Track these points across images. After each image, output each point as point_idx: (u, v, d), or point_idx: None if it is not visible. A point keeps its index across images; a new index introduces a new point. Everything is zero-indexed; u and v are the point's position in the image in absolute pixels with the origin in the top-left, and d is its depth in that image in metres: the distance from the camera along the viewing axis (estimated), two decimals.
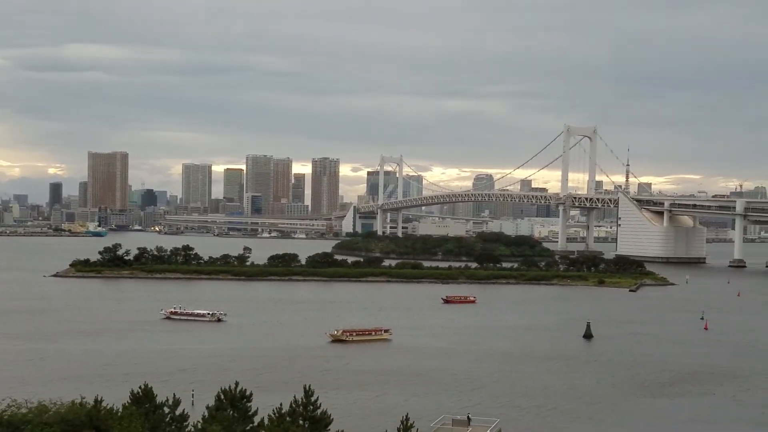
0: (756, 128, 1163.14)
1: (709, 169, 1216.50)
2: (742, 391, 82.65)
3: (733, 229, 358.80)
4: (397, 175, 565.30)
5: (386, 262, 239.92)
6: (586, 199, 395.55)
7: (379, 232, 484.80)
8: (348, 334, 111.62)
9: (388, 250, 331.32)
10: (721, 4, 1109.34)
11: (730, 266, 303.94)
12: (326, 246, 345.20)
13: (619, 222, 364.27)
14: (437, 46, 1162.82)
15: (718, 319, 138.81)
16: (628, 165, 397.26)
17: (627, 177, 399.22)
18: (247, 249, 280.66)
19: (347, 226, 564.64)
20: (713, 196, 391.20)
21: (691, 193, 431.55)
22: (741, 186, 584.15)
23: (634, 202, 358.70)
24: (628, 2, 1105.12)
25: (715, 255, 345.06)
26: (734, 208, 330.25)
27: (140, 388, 45.78)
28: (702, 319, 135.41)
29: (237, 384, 46.59)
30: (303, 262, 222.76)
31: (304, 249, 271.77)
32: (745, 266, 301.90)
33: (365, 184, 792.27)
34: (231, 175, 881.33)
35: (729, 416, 72.38)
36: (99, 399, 42.45)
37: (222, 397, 46.27)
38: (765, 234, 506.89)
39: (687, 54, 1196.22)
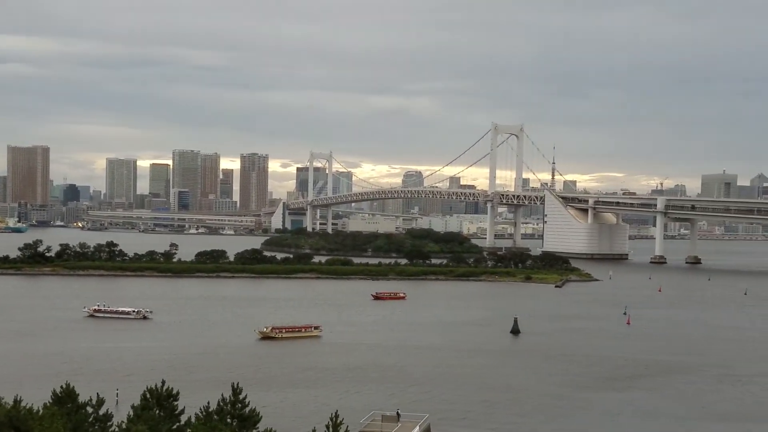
0: (676, 127, 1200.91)
1: (631, 168, 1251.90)
2: (668, 384, 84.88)
3: (655, 226, 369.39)
4: (327, 172, 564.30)
5: (316, 259, 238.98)
6: (514, 196, 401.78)
7: (309, 229, 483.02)
8: (277, 331, 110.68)
9: (318, 246, 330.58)
10: (642, 6, 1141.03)
11: (651, 262, 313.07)
12: (255, 242, 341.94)
13: (546, 219, 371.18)
14: (366, 43, 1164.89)
15: (641, 314, 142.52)
16: (553, 163, 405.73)
17: (553, 175, 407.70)
18: (173, 245, 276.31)
19: (276, 222, 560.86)
20: (625, 192, 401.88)
21: (614, 191, 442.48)
22: (662, 184, 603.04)
23: (560, 199, 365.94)
24: (555, 2, 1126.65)
25: (637, 251, 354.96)
26: (655, 205, 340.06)
27: (62, 387, 44.39)
28: (625, 314, 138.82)
29: (163, 383, 45.59)
30: (231, 258, 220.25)
31: (233, 245, 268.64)
32: (665, 262, 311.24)
33: (295, 180, 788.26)
34: (157, 170, 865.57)
35: (658, 408, 74.23)
36: (18, 399, 41.02)
37: (148, 396, 45.20)
38: (685, 231, 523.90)
39: (611, 54, 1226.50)
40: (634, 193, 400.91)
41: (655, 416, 71.16)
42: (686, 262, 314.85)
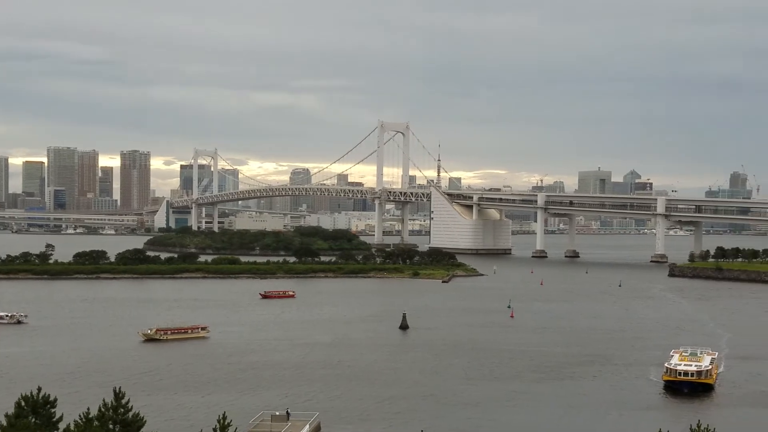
0: (556, 126, 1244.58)
1: (513, 165, 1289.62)
2: (553, 375, 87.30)
3: (536, 221, 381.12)
4: (212, 169, 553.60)
5: (202, 258, 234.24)
6: (401, 193, 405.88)
7: (194, 228, 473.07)
8: (162, 332, 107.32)
9: (204, 245, 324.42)
10: (525, 9, 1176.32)
11: (533, 257, 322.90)
12: (138, 242, 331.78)
13: (432, 215, 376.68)
14: (253, 39, 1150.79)
15: (524, 307, 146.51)
16: (439, 160, 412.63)
17: (438, 172, 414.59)
18: (49, 246, 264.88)
19: (160, 221, 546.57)
20: (507, 188, 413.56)
21: (498, 187, 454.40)
22: (542, 181, 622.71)
23: (446, 196, 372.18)
24: (442, 3, 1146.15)
25: (520, 246, 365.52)
26: (536, 201, 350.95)
27: None
28: (509, 307, 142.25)
29: (39, 389, 43.15)
30: (112, 259, 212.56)
31: (114, 245, 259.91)
32: (546, 256, 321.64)
33: (179, 178, 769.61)
34: (30, 168, 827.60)
35: (545, 397, 76.11)
36: None
37: (23, 404, 42.67)
38: (564, 226, 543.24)
39: (496, 55, 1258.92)
40: (510, 187, 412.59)
41: (542, 405, 72.96)
42: (565, 256, 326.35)
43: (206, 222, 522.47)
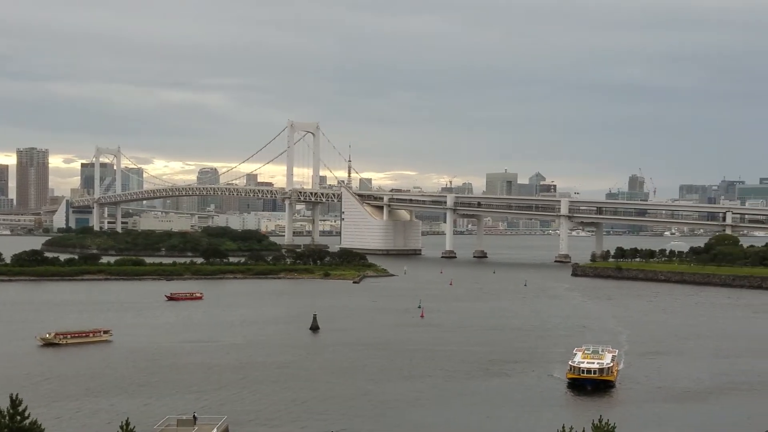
0: (465, 128, 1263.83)
1: (423, 166, 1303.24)
2: (461, 373, 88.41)
3: (445, 222, 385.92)
4: (115, 168, 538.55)
5: (105, 259, 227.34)
6: (311, 193, 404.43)
7: (96, 228, 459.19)
8: (61, 336, 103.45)
9: (107, 246, 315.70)
10: (437, 12, 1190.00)
11: (442, 257, 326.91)
12: (35, 243, 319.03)
13: (343, 216, 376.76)
14: (159, 34, 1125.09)
15: (434, 306, 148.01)
16: (350, 161, 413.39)
17: (349, 173, 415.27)
18: None
19: (59, 221, 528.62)
20: (417, 189, 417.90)
21: (408, 188, 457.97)
22: (451, 182, 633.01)
23: (356, 196, 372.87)
24: (355, 3, 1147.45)
25: (430, 247, 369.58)
26: (445, 202, 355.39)
27: None
28: (419, 307, 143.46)
29: None
30: (8, 260, 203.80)
31: (9, 246, 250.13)
32: (455, 257, 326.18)
33: (79, 177, 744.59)
34: None
35: (455, 395, 76.92)
36: None
37: None
38: (472, 227, 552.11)
39: (407, 56, 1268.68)
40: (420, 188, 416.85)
41: (450, 404, 73.73)
42: (474, 257, 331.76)
43: (109, 222, 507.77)
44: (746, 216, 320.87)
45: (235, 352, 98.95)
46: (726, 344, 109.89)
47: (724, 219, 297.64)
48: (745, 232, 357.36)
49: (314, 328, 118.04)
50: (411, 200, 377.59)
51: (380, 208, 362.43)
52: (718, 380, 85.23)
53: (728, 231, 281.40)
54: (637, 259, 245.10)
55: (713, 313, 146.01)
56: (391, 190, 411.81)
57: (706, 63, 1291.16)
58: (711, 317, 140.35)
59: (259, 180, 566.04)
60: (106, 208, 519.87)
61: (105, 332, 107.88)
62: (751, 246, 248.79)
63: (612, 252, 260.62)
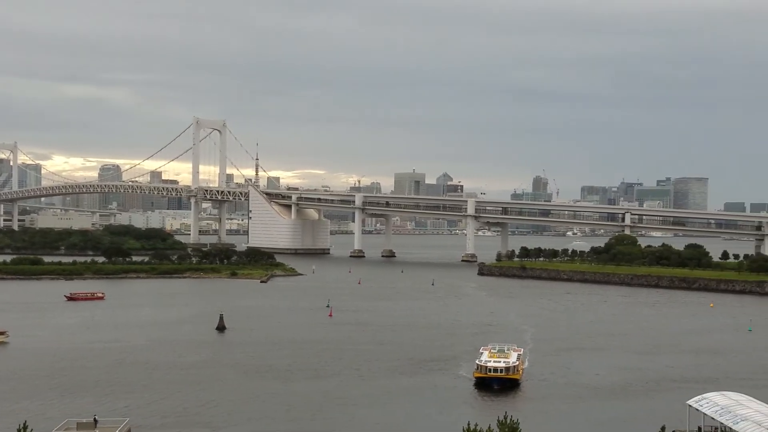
0: (373, 128, 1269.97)
1: (332, 165, 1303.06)
2: (371, 370, 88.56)
3: (354, 221, 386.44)
4: (12, 164, 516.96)
5: (0, 258, 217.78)
6: (218, 191, 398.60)
7: None
8: None
9: (2, 244, 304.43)
10: (346, 11, 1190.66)
11: (351, 256, 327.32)
12: None
13: (250, 215, 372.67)
14: (59, 27, 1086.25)
15: (343, 305, 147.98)
16: (257, 159, 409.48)
17: (257, 171, 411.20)
18: None
19: None
20: (325, 189, 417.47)
21: (316, 187, 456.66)
22: (359, 182, 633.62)
23: (264, 195, 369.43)
24: (260, 1, 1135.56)
25: (338, 246, 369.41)
26: (354, 202, 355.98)
27: None
28: (328, 306, 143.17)
29: None
30: None
31: None
32: (364, 256, 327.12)
33: None
34: None
35: (361, 396, 76.94)
36: None
37: None
38: (381, 226, 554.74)
39: (315, 55, 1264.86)
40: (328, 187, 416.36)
41: (358, 402, 73.74)
42: (382, 256, 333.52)
43: (5, 220, 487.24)
44: (644, 217, 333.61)
45: (139, 353, 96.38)
46: (627, 341, 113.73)
47: (623, 220, 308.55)
48: (643, 232, 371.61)
49: (220, 328, 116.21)
50: (319, 199, 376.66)
51: (288, 207, 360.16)
52: (620, 377, 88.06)
53: (627, 231, 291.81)
54: (541, 259, 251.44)
55: (614, 312, 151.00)
56: (290, 187, 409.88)
57: (606, 68, 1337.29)
58: (612, 315, 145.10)
59: (163, 177, 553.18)
60: (1, 206, 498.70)
61: (1, 333, 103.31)
62: (649, 246, 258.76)
63: (517, 251, 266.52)
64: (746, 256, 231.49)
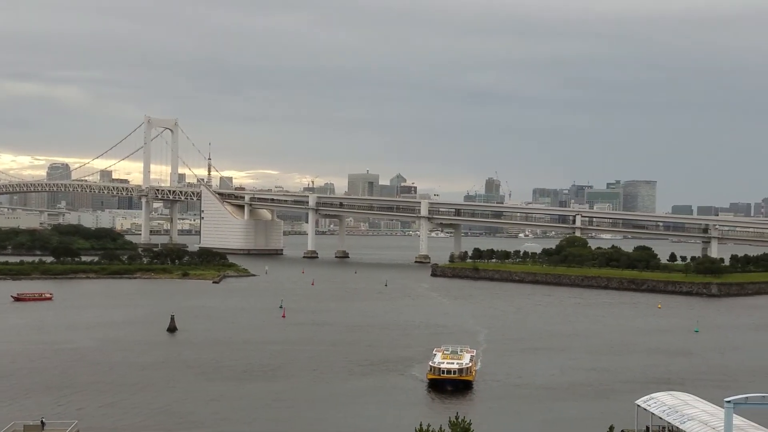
0: (327, 128, 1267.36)
1: (285, 165, 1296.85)
2: (320, 372, 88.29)
3: (307, 222, 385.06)
4: None
5: None
6: (169, 191, 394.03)
7: None
8: None
9: None
10: (300, 11, 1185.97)
11: (304, 257, 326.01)
12: None
13: (203, 215, 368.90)
14: (5, 23, 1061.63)
15: (296, 306, 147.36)
16: (209, 159, 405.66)
17: (209, 170, 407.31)
18: None
19: None
20: (279, 189, 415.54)
21: (270, 187, 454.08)
22: (313, 182, 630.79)
23: (217, 195, 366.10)
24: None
25: (292, 247, 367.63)
26: (307, 202, 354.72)
27: None
28: (281, 307, 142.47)
29: None
30: None
31: None
32: (317, 257, 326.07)
33: None
34: None
35: (314, 397, 76.66)
36: None
37: None
38: (334, 227, 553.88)
39: (268, 55, 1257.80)
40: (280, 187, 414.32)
41: (311, 402, 73.50)
42: (336, 257, 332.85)
43: None
44: (594, 219, 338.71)
45: (89, 355, 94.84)
46: (578, 342, 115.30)
47: (574, 222, 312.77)
48: (593, 234, 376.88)
49: (172, 329, 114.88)
50: (273, 200, 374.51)
51: (241, 207, 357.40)
52: (572, 377, 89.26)
53: (578, 233, 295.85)
54: (494, 260, 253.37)
55: (565, 313, 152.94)
56: (236, 187, 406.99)
57: (557, 71, 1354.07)
58: (563, 316, 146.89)
59: (114, 177, 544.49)
60: None
61: None
62: (599, 248, 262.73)
63: (470, 253, 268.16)
64: (693, 258, 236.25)
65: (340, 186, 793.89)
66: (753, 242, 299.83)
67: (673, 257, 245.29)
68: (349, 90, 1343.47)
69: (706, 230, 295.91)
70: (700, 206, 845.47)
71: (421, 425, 45.44)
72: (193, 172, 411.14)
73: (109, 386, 78.66)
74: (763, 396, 50.54)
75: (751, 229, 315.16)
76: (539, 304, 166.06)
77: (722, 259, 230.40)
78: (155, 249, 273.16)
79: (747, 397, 49.16)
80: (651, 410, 60.66)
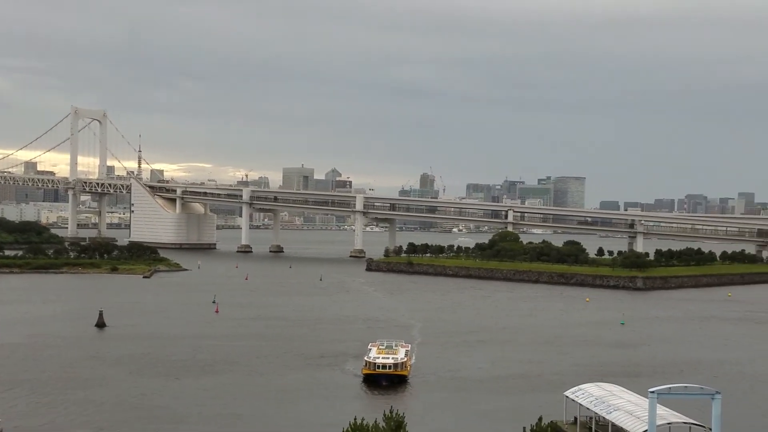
0: (262, 122, 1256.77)
1: (219, 159, 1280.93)
2: (249, 369, 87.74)
3: (241, 216, 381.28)
4: None
5: None
6: (98, 184, 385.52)
7: None
8: None
9: None
10: (225, 1, 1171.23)
11: (238, 251, 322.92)
12: None
13: (133, 208, 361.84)
14: None
15: (229, 301, 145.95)
16: (140, 151, 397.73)
17: (139, 163, 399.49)
18: None
19: None
20: (212, 182, 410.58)
21: (202, 181, 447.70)
22: (247, 176, 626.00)
23: (147, 188, 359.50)
24: None
25: (225, 241, 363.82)
26: (241, 196, 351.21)
27: None
28: (214, 302, 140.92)
29: None
30: None
31: None
32: (251, 251, 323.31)
33: None
34: None
35: (247, 391, 76.14)
36: None
37: None
38: (269, 221, 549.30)
39: (199, 46, 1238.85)
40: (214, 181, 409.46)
41: (245, 397, 73.02)
42: (270, 251, 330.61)
43: None
44: (525, 214, 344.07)
45: (15, 352, 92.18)
46: (510, 335, 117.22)
47: (506, 217, 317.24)
48: (525, 229, 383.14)
49: (100, 324, 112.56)
50: (205, 193, 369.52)
51: (173, 200, 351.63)
52: (504, 370, 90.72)
53: (510, 228, 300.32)
54: (428, 255, 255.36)
55: (498, 306, 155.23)
56: (162, 180, 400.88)
57: (489, 68, 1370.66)
58: (496, 310, 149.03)
59: (39, 168, 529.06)
60: None
61: None
62: (530, 242, 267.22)
63: (404, 247, 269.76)
64: (620, 253, 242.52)
65: (275, 180, 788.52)
66: (676, 237, 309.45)
67: (600, 252, 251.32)
68: (284, 84, 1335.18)
69: (632, 225, 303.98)
70: (626, 202, 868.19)
71: (355, 419, 45.62)
72: (123, 165, 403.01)
73: (36, 384, 76.69)
74: (686, 386, 52.41)
75: (674, 225, 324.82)
76: (472, 298, 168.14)
77: (647, 254, 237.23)
78: (83, 243, 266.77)
79: (670, 388, 50.87)
80: (579, 401, 62.17)
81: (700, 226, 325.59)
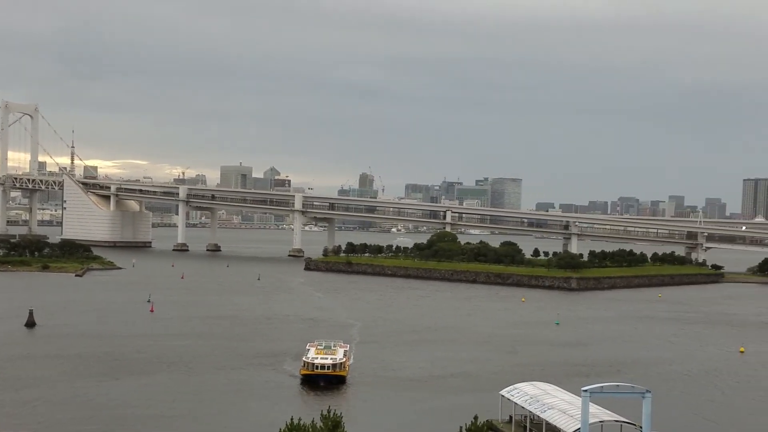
0: (198, 119, 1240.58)
1: (155, 156, 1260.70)
2: (193, 367, 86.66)
3: (177, 214, 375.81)
4: None
5: None
6: (29, 180, 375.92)
7: None
8: None
9: None
10: None
11: (174, 250, 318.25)
12: None
13: (65, 205, 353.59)
14: None
15: (165, 300, 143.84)
16: (73, 147, 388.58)
17: (72, 159, 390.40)
18: None
19: None
20: (147, 179, 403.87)
21: (138, 178, 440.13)
22: (184, 173, 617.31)
23: (80, 185, 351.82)
24: None
25: (161, 239, 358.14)
26: (178, 194, 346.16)
27: None
28: (149, 301, 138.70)
29: None
30: None
31: None
32: (188, 250, 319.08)
33: None
34: None
35: (185, 392, 75.18)
36: None
37: None
38: (206, 219, 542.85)
39: (136, 41, 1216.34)
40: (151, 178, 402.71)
41: (181, 398, 72.14)
42: (207, 250, 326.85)
43: None
44: (463, 215, 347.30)
45: None
46: (448, 335, 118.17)
47: (444, 217, 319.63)
48: (463, 230, 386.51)
49: (30, 324, 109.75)
50: (141, 190, 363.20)
51: (107, 197, 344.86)
52: (441, 369, 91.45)
53: (448, 228, 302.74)
54: (367, 254, 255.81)
55: (436, 306, 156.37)
56: (127, 180, 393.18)
57: (429, 68, 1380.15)
58: (434, 310, 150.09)
59: None
60: None
61: None
62: (468, 243, 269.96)
63: (343, 247, 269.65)
64: (555, 254, 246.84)
65: (213, 178, 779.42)
66: (609, 239, 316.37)
67: (536, 252, 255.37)
68: (223, 80, 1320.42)
69: (567, 227, 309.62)
70: (561, 203, 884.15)
71: (292, 419, 45.49)
72: (55, 161, 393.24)
73: None
74: (617, 385, 53.78)
75: (607, 227, 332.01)
76: (411, 298, 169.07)
77: (582, 255, 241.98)
78: (12, 240, 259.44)
79: (602, 387, 52.10)
80: (514, 400, 63.18)
81: (633, 228, 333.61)
